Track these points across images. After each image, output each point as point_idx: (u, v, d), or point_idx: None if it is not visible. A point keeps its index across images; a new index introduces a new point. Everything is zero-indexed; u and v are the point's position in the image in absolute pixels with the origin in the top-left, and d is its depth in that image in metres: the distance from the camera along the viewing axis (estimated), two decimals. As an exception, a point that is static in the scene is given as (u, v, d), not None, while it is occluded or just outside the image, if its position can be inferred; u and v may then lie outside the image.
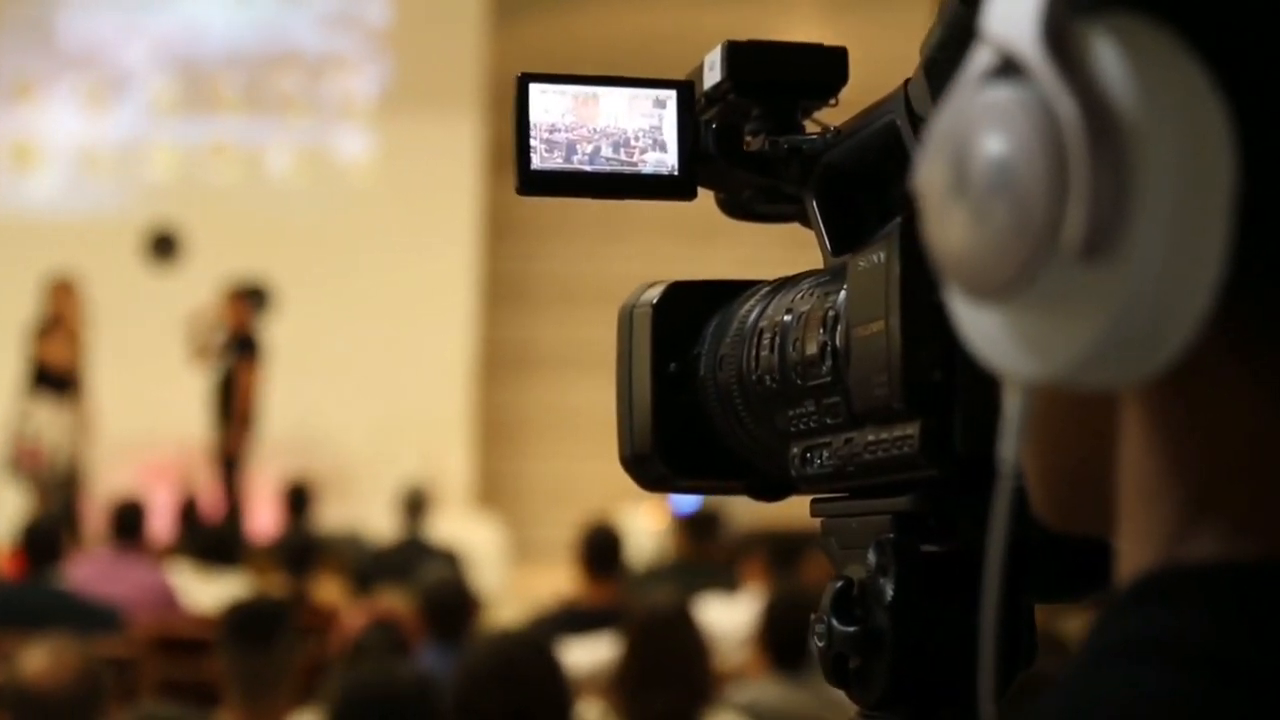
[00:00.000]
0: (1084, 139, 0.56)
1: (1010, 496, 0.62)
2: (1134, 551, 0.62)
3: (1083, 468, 0.65)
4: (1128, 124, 0.56)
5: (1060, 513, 0.66)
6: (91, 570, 6.84)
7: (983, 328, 0.60)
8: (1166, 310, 0.56)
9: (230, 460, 11.09)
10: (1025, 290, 0.58)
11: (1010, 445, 0.61)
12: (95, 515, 9.60)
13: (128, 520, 7.35)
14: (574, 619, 5.80)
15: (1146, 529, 0.62)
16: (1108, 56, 0.57)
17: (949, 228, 0.60)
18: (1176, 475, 0.61)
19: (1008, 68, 0.59)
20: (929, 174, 0.61)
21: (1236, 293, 0.57)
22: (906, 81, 0.97)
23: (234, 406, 11.01)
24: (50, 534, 6.53)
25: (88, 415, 10.80)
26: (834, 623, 0.97)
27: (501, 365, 12.94)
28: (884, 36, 9.26)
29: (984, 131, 0.59)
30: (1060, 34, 0.57)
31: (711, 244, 10.89)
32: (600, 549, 6.31)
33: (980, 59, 0.60)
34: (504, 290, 12.97)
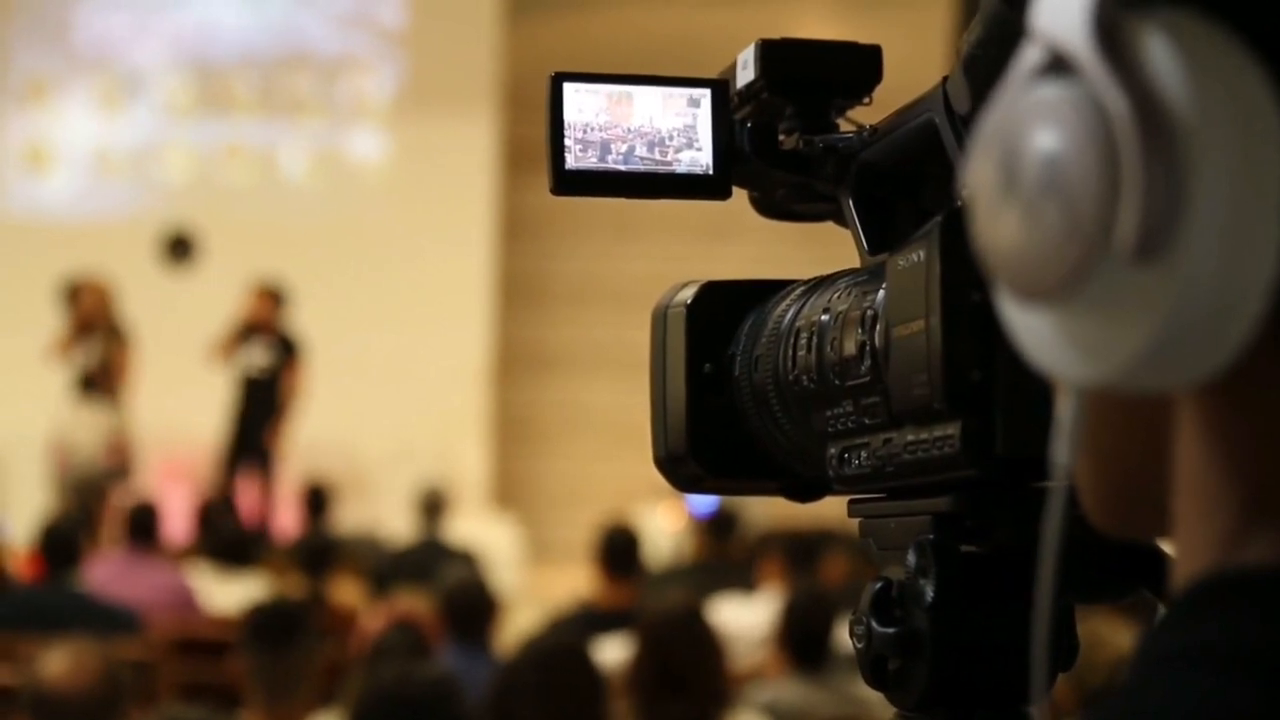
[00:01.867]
0: (1136, 137, 0.55)
1: (1068, 497, 0.61)
2: (1190, 556, 0.61)
3: (1136, 473, 0.64)
4: (1181, 122, 0.55)
5: (1114, 518, 0.66)
6: (110, 572, 6.84)
7: (1034, 330, 0.60)
8: (1221, 312, 0.55)
9: (267, 459, 11.14)
10: (1078, 292, 0.57)
11: (1064, 449, 0.61)
12: (114, 518, 9.60)
13: (143, 522, 7.35)
14: (591, 620, 5.79)
15: (1203, 534, 0.61)
16: (1160, 53, 0.56)
17: (999, 228, 0.59)
18: (1232, 479, 0.60)
19: (1058, 65, 0.58)
20: (978, 174, 0.60)
21: None
22: (944, 79, 0.96)
23: (278, 405, 11.08)
24: (68, 536, 6.53)
25: (124, 419, 10.82)
26: (873, 624, 0.97)
27: (517, 365, 12.94)
28: (900, 35, 9.25)
29: (1034, 130, 0.58)
30: (1111, 30, 0.56)
31: (728, 242, 10.89)
32: (618, 549, 6.30)
33: (1029, 56, 0.59)
34: (520, 290, 12.97)
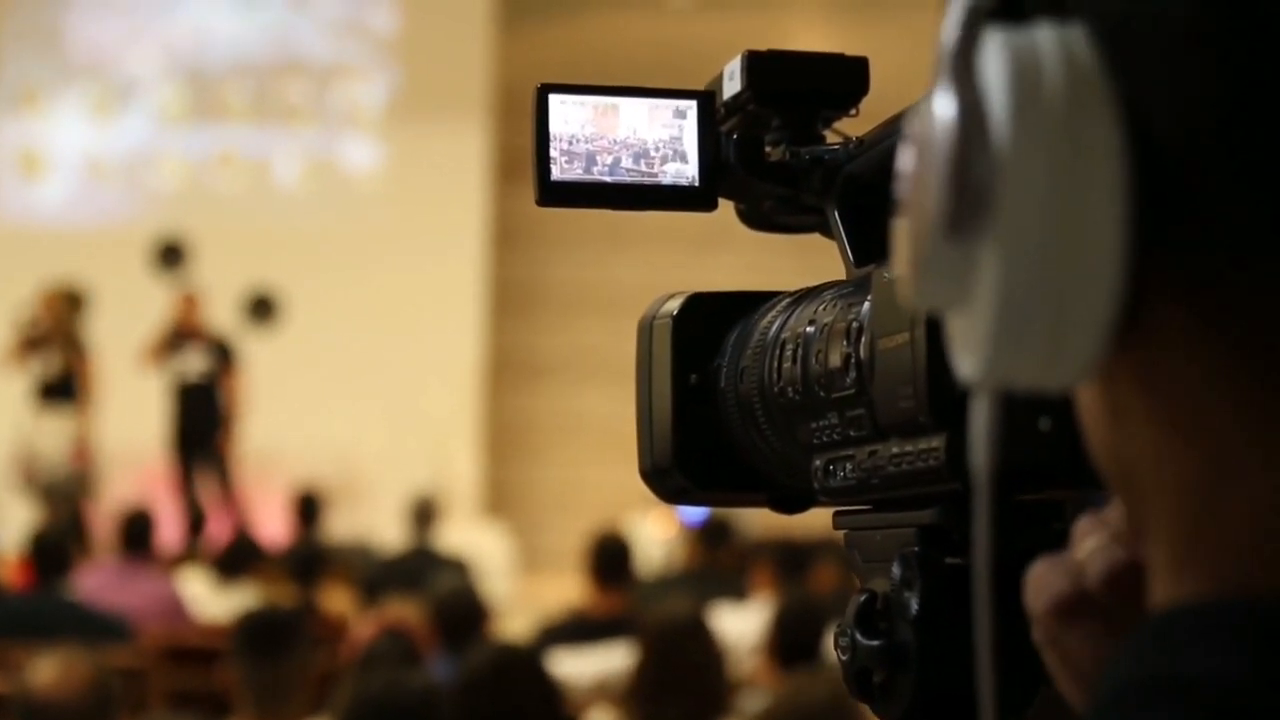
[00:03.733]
0: (959, 133, 0.57)
1: (995, 511, 0.61)
2: (1160, 580, 0.61)
3: (1125, 468, 0.64)
4: (1000, 113, 0.57)
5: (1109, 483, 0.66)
6: (100, 581, 6.83)
7: (949, 335, 0.61)
8: (1064, 279, 0.56)
9: (222, 465, 11.17)
10: (927, 273, 0.59)
11: (979, 452, 0.61)
12: (103, 525, 9.59)
13: (136, 530, 7.35)
14: (583, 628, 5.79)
15: (1163, 554, 0.61)
16: (993, 61, 0.58)
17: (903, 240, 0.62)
18: (1172, 504, 0.60)
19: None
20: (902, 179, 0.62)
21: (1175, 255, 0.57)
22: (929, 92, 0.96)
23: (223, 412, 11.09)
24: (58, 545, 6.52)
25: (88, 425, 10.83)
26: (858, 636, 0.96)
27: (509, 373, 12.94)
28: (893, 44, 9.25)
29: (921, 137, 0.60)
30: (965, 39, 0.59)
31: (719, 252, 10.89)
32: (609, 558, 6.30)
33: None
34: (512, 298, 12.97)
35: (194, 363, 11.07)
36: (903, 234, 0.60)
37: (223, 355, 11.15)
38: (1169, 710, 0.57)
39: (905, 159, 0.61)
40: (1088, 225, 0.56)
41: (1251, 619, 0.57)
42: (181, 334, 11.08)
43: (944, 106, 0.58)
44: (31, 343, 10.80)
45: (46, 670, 3.77)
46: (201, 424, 11.07)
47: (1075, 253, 0.56)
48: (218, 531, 10.34)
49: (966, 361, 0.59)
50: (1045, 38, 0.58)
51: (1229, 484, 0.58)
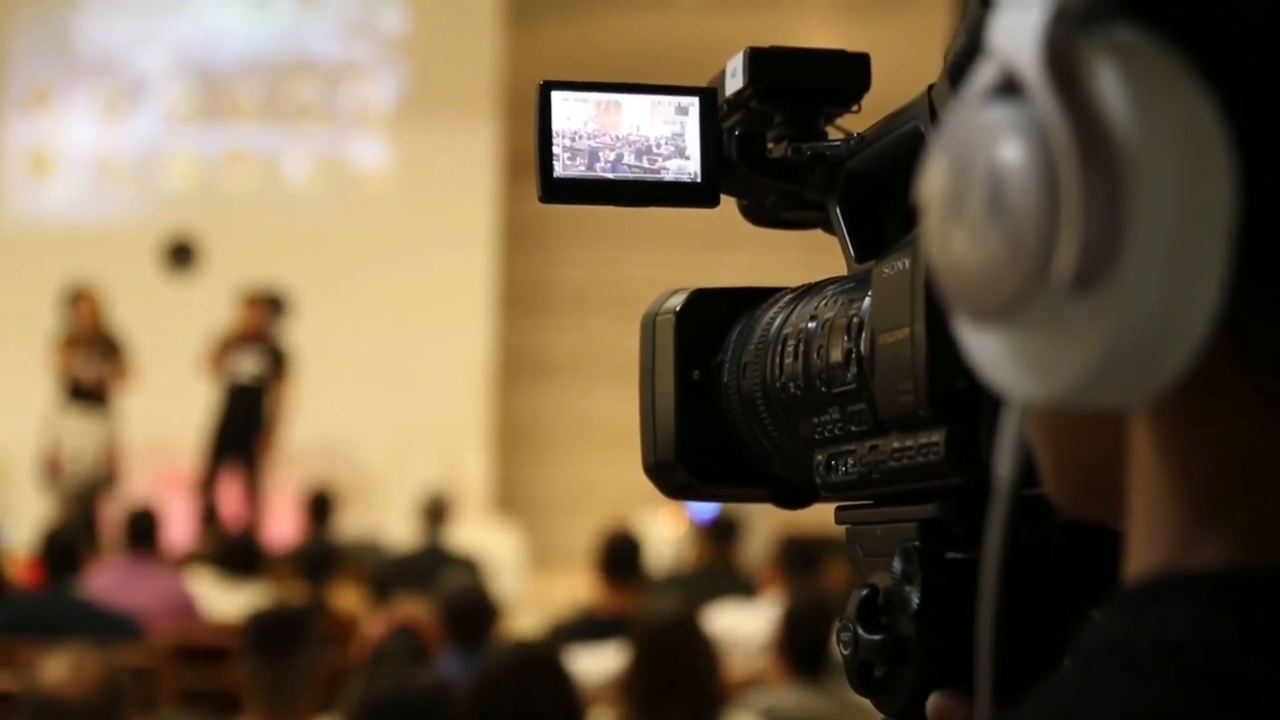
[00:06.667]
0: (1077, 165, 0.55)
1: (1010, 508, 0.61)
2: (1139, 556, 0.62)
3: (1096, 472, 0.65)
4: (1124, 151, 0.54)
5: (1073, 505, 0.67)
6: (110, 579, 6.85)
7: (984, 347, 0.60)
8: (1163, 338, 0.55)
9: (254, 467, 11.17)
10: (1020, 316, 0.57)
11: (1005, 462, 0.61)
12: (114, 524, 9.62)
13: (142, 529, 7.36)
14: (592, 626, 5.80)
15: (1151, 536, 0.62)
16: (1108, 79, 0.55)
17: (948, 248, 0.59)
18: (1181, 486, 0.60)
19: (1009, 86, 0.57)
20: (929, 191, 0.60)
21: (1240, 316, 0.57)
22: (931, 87, 0.97)
23: (268, 415, 11.11)
24: (69, 544, 6.54)
25: (115, 427, 10.87)
26: (859, 631, 0.97)
27: (519, 371, 12.95)
28: (899, 41, 9.26)
29: (982, 151, 0.58)
30: (1061, 53, 0.56)
31: (728, 249, 10.89)
32: (619, 556, 6.31)
33: (984, 74, 0.59)
34: (521, 296, 12.97)
35: (247, 364, 11.07)
36: (969, 255, 0.58)
37: (276, 360, 11.15)
38: (1148, 673, 0.57)
39: (965, 169, 0.59)
40: (1201, 275, 0.55)
41: (1238, 587, 0.58)
42: (243, 337, 11.08)
43: (1052, 127, 0.55)
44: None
45: (57, 669, 3.77)
46: (245, 426, 11.08)
47: (1186, 300, 0.55)
48: (228, 532, 10.35)
49: (1024, 380, 0.58)
50: (1146, 48, 0.56)
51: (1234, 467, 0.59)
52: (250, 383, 11.07)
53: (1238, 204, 0.55)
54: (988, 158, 0.57)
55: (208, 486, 11.21)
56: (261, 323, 11.13)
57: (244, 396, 11.07)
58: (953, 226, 0.59)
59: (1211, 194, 0.55)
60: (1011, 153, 0.56)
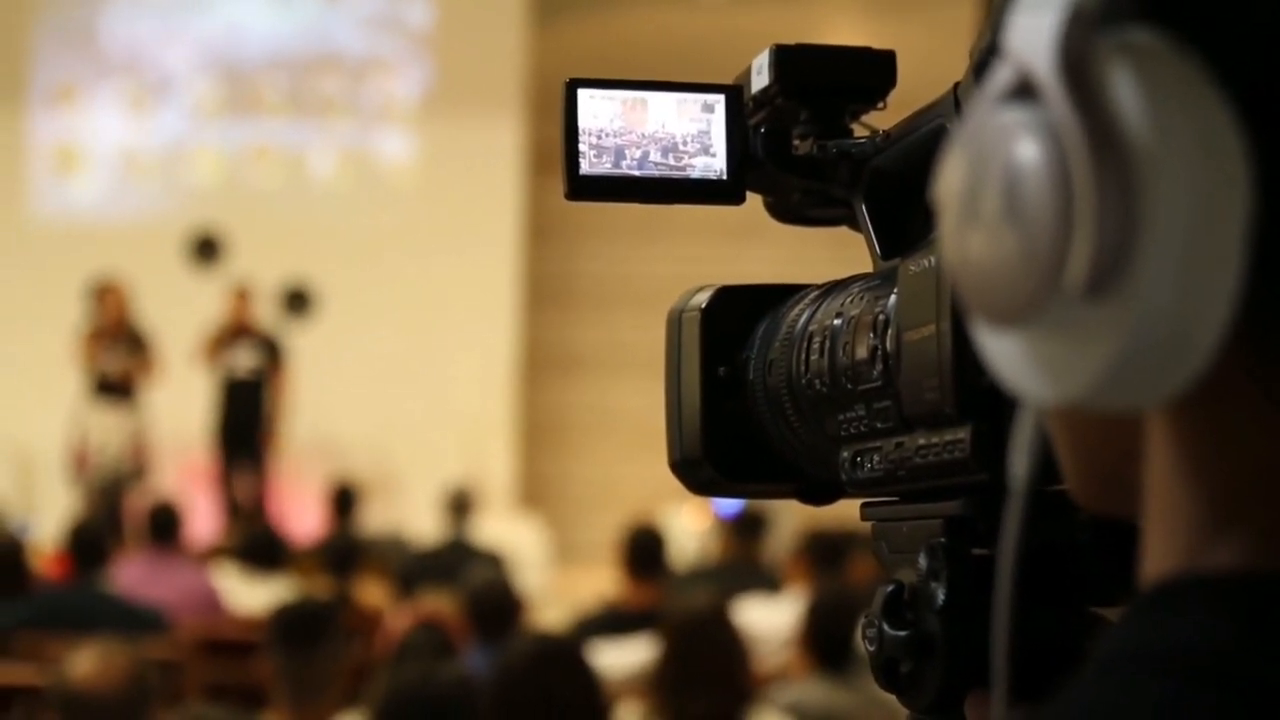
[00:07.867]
0: (1091, 170, 0.54)
1: (1026, 507, 0.61)
2: (1155, 558, 0.62)
3: (1115, 468, 0.64)
4: (1138, 156, 0.54)
5: (1094, 501, 0.67)
6: (136, 573, 6.87)
7: (999, 348, 0.60)
8: (1176, 343, 0.55)
9: (261, 460, 11.22)
10: (1035, 319, 0.57)
11: (1021, 461, 0.61)
12: (140, 518, 9.66)
13: (163, 523, 7.38)
14: (616, 620, 5.80)
15: (1168, 538, 0.61)
16: (1124, 82, 0.55)
17: (964, 250, 0.59)
18: (1198, 488, 0.60)
19: (1025, 88, 0.57)
20: (946, 193, 0.60)
21: (1254, 321, 0.57)
22: (956, 84, 0.97)
23: (270, 407, 11.16)
24: (95, 537, 6.56)
25: (141, 421, 10.92)
26: (885, 627, 0.97)
27: (543, 367, 12.96)
28: (925, 37, 9.24)
29: (997, 154, 0.57)
30: (1077, 56, 0.55)
31: (751, 245, 10.89)
32: (643, 550, 6.31)
33: (1000, 76, 0.58)
34: (545, 292, 12.98)
35: (244, 359, 11.12)
36: (984, 255, 0.58)
37: (272, 352, 11.20)
38: (1162, 677, 0.57)
39: (978, 168, 0.58)
40: (1216, 279, 0.55)
41: (1252, 591, 0.58)
42: (237, 331, 11.13)
43: (1061, 133, 0.55)
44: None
45: (84, 662, 3.79)
46: (247, 419, 11.13)
47: (1200, 305, 0.55)
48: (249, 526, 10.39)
49: (1040, 382, 0.58)
50: (1163, 51, 0.56)
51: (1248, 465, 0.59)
52: (248, 376, 11.12)
53: (1253, 208, 0.55)
54: (1003, 160, 0.57)
55: (225, 482, 11.25)
56: (248, 314, 11.18)
57: (242, 391, 11.12)
58: (969, 229, 0.59)
59: (1226, 198, 0.55)
60: (1026, 156, 0.56)
